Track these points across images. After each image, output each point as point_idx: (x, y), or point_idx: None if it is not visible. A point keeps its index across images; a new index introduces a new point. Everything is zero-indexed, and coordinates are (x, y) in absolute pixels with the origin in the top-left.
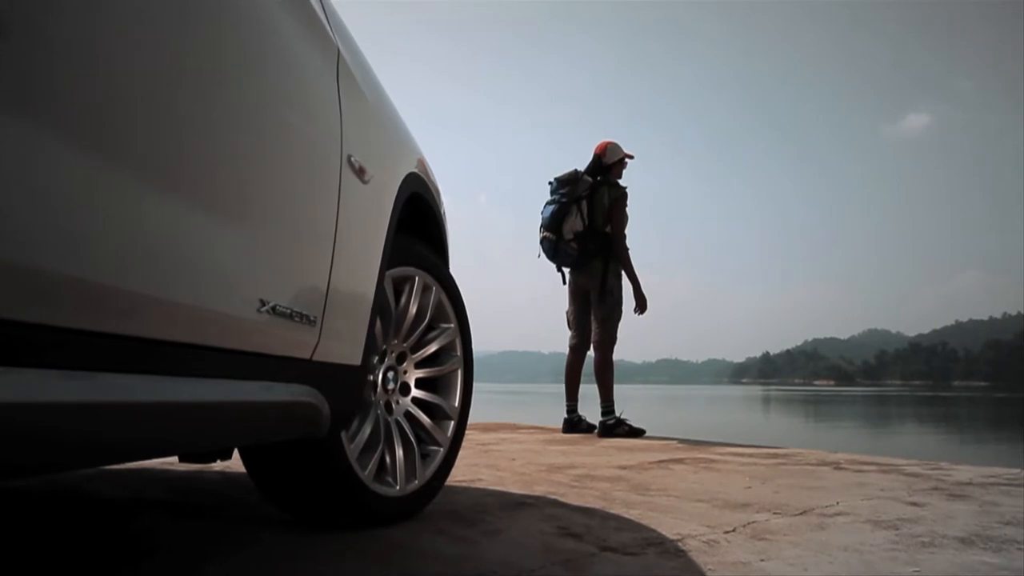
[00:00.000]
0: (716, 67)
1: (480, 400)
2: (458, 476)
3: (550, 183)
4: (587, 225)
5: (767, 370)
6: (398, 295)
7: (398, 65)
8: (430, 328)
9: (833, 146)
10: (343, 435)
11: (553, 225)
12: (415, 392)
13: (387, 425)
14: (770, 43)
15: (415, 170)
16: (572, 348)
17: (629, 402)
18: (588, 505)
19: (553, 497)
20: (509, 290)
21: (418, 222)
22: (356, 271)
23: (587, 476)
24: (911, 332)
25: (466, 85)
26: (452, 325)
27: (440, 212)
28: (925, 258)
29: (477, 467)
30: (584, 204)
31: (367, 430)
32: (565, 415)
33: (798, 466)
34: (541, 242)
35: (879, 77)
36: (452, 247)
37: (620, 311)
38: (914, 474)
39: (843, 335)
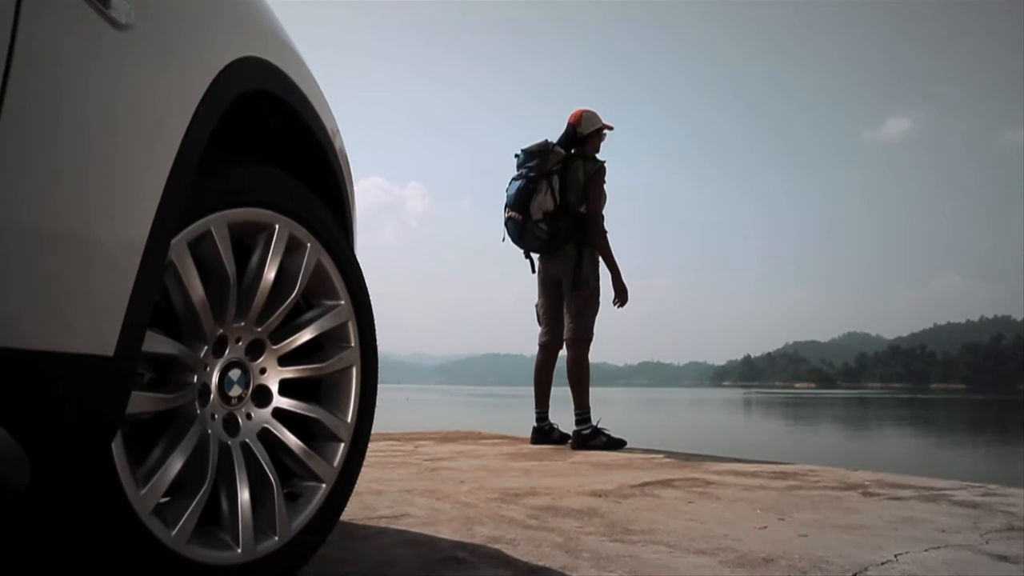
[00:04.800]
0: (703, 68)
1: (454, 403)
2: (380, 509)
3: (516, 155)
4: (559, 204)
5: (748, 373)
6: (248, 253)
7: (382, 66)
8: (307, 306)
9: (815, 150)
10: (125, 471)
11: (519, 203)
12: (279, 401)
13: (224, 452)
14: (753, 42)
15: (267, 58)
16: (542, 346)
17: (608, 406)
18: (543, 563)
19: (496, 547)
20: (496, 293)
21: (294, 156)
22: (82, 178)
23: (549, 509)
24: (890, 335)
25: (454, 86)
26: (342, 302)
27: (334, 148)
28: (903, 261)
29: (411, 494)
30: (555, 180)
31: (177, 463)
32: (534, 423)
33: (817, 490)
34: (506, 223)
35: (862, 81)
36: (441, 251)
37: (597, 303)
38: (967, 503)
39: (823, 338)
